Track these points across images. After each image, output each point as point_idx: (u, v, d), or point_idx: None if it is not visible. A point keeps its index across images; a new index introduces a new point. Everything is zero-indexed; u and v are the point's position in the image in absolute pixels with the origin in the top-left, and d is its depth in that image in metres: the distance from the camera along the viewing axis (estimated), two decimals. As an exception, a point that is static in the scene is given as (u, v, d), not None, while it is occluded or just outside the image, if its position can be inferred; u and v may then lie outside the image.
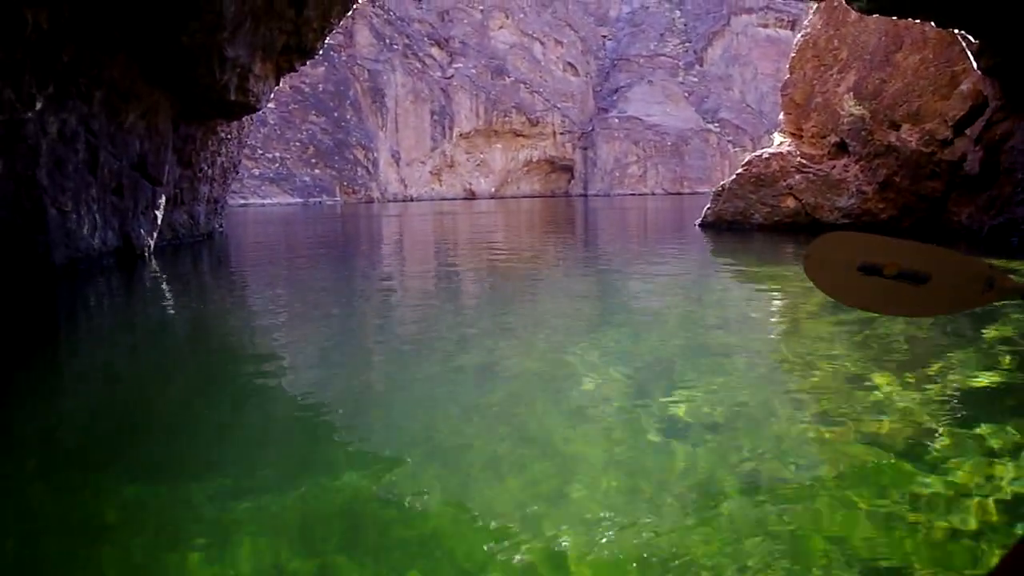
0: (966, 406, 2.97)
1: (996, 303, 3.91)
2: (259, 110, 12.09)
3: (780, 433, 2.72)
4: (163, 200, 10.51)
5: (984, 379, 3.27)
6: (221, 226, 15.16)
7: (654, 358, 3.91)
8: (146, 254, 9.87)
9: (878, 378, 3.33)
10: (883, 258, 2.09)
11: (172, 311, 6.34)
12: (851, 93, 12.67)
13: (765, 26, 70.46)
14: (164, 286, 8.04)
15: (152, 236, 10.14)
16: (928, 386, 3.20)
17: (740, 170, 13.70)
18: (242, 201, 46.52)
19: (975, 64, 10.02)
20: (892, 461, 2.41)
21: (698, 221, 14.16)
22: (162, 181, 10.33)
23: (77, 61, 8.15)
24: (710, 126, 69.15)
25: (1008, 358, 3.63)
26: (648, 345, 4.19)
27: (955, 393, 3.12)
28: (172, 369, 4.14)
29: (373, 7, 56.94)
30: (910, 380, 3.29)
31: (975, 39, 9.46)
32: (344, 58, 56.05)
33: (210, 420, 3.13)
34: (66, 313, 6.15)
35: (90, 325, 5.77)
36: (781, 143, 13.91)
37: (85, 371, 4.15)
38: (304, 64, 12.26)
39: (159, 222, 10.41)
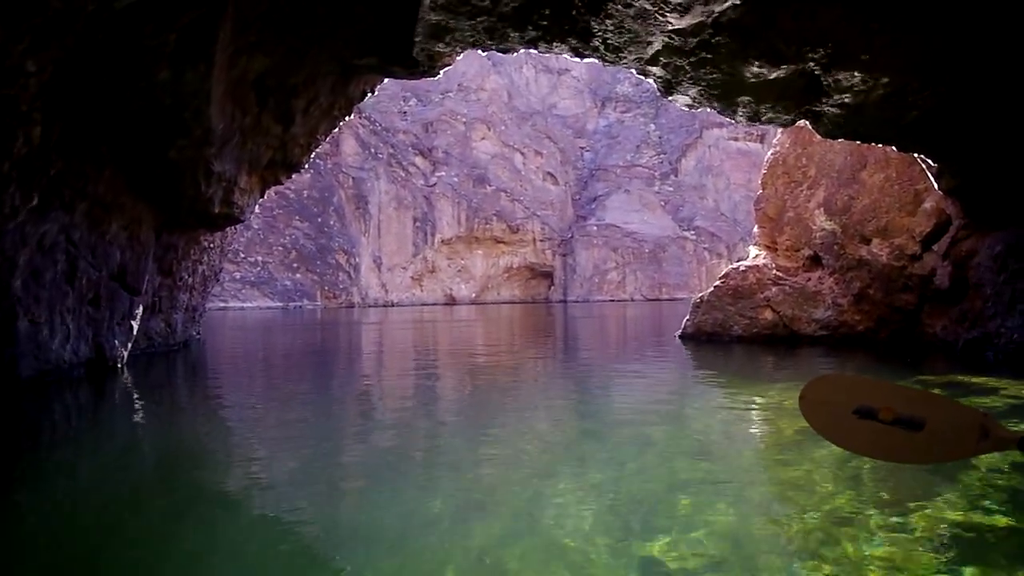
0: (955, 550, 2.88)
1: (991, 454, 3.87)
2: (243, 221, 12.22)
3: (772, 581, 2.60)
4: (140, 310, 10.40)
5: (972, 519, 3.19)
6: (198, 333, 14.98)
7: (637, 491, 3.79)
8: (119, 365, 9.65)
9: (867, 517, 3.24)
10: (878, 402, 2.07)
11: (139, 431, 6.12)
12: (821, 208, 13.10)
13: (735, 139, 73.88)
14: (134, 401, 7.81)
15: (126, 347, 9.96)
16: (916, 526, 3.11)
17: (718, 282, 13.93)
18: (221, 304, 46.35)
19: (936, 184, 10.45)
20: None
21: (678, 332, 14.23)
22: (140, 291, 10.26)
23: (64, 174, 8.24)
24: (686, 234, 71.05)
25: (995, 495, 3.56)
26: (631, 476, 4.08)
27: (943, 535, 3.04)
28: (134, 500, 3.94)
29: (359, 118, 59.09)
30: (898, 520, 3.20)
31: (934, 163, 9.91)
32: (330, 166, 57.59)
33: (172, 560, 2.94)
34: (24, 434, 5.92)
35: (48, 448, 5.54)
36: (757, 255, 14.22)
37: (41, 500, 3.93)
38: (289, 178, 12.52)
39: (135, 332, 10.26)
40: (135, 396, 8.16)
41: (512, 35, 8.59)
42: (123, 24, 7.58)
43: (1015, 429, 3.34)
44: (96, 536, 3.34)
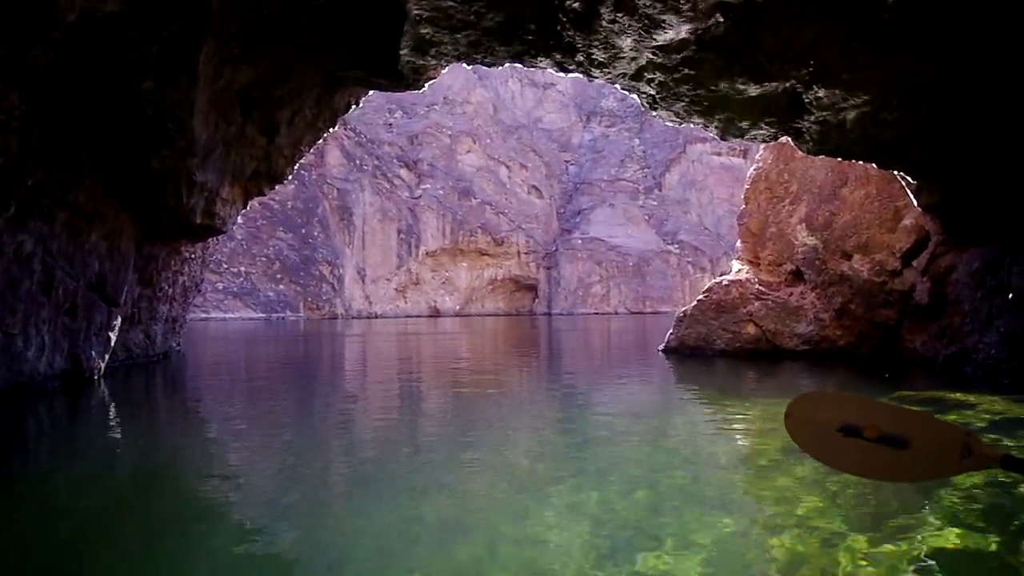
0: (936, 568, 2.88)
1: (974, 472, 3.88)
2: (225, 232, 12.12)
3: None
4: (118, 321, 10.25)
5: (953, 538, 3.20)
6: (179, 344, 14.80)
7: (621, 509, 3.77)
8: (95, 377, 9.50)
9: (850, 535, 3.23)
10: (863, 420, 2.08)
11: (114, 445, 6.00)
12: (803, 224, 13.22)
13: (719, 154, 74.63)
14: (109, 414, 7.68)
15: (104, 358, 9.81)
16: (898, 544, 3.11)
17: (701, 296, 13.98)
18: (203, 315, 45.93)
19: (915, 201, 10.58)
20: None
21: (661, 346, 14.26)
22: (119, 302, 10.12)
23: (42, 183, 8.12)
24: (670, 247, 71.49)
25: (976, 514, 3.57)
26: (615, 493, 4.05)
27: (924, 553, 3.04)
28: (109, 515, 3.86)
29: (344, 129, 59.03)
30: (880, 537, 3.19)
31: (914, 180, 10.03)
32: (314, 177, 57.44)
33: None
34: None
35: (20, 462, 5.42)
36: (740, 270, 14.31)
37: (11, 516, 3.83)
38: (272, 189, 12.44)
39: (112, 343, 10.11)
40: (111, 409, 8.03)
41: (497, 49, 8.62)
42: (106, 34, 7.52)
43: (996, 446, 3.35)
44: (70, 552, 3.25)
